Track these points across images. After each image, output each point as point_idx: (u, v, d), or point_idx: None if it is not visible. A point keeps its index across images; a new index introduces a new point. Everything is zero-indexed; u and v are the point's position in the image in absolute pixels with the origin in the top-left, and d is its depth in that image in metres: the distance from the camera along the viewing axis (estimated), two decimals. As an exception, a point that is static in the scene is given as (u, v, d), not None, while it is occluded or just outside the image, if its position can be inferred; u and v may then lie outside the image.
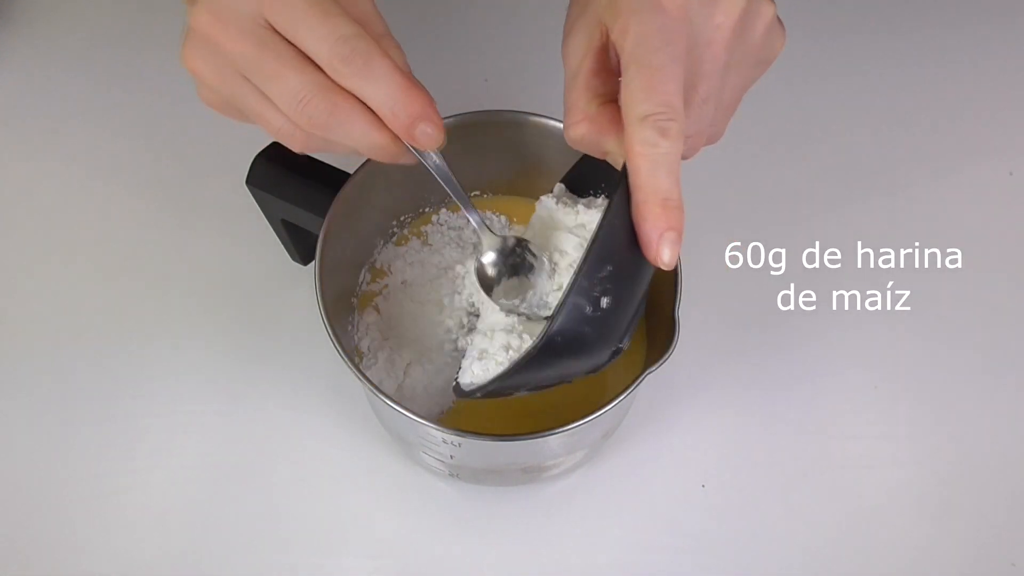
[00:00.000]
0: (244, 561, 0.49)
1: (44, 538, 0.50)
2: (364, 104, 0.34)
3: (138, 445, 0.52)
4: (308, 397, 0.53)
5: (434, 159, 0.37)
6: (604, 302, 0.34)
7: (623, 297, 0.35)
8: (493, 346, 0.39)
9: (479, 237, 0.41)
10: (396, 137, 0.34)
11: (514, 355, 0.39)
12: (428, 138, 0.34)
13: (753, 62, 0.35)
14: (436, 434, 0.42)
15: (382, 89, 0.33)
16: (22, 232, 0.58)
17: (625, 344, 0.37)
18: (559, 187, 0.43)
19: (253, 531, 0.50)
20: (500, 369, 0.38)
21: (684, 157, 0.34)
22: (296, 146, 0.36)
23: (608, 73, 0.35)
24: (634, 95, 0.31)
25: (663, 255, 0.32)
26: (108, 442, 0.52)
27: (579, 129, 0.35)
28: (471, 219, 0.40)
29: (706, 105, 0.33)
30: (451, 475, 0.49)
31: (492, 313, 0.41)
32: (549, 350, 0.34)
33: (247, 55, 0.33)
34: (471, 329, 0.48)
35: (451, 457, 0.45)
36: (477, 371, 0.39)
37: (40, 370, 0.54)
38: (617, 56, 0.33)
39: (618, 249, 0.33)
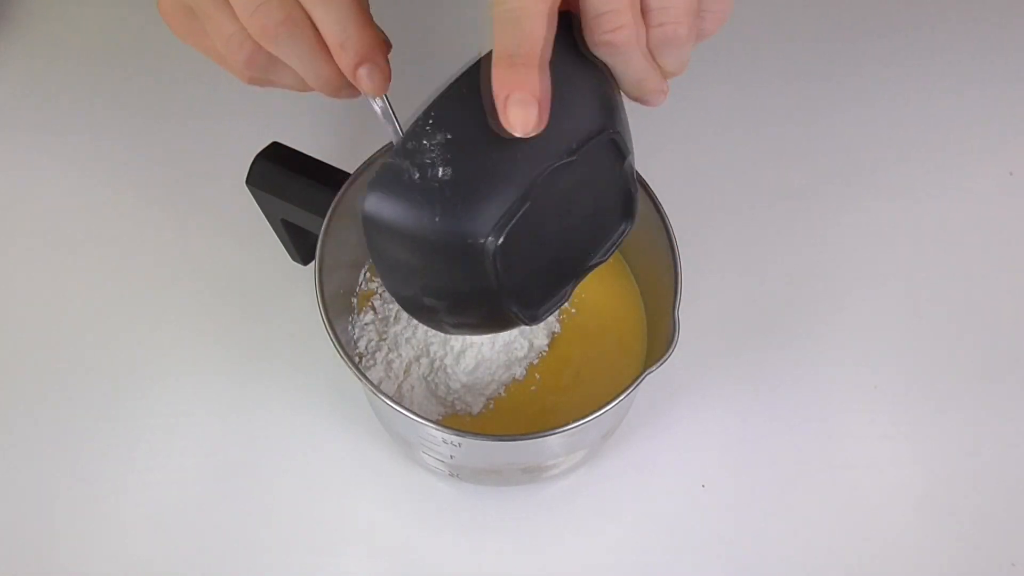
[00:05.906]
0: (243, 561, 0.49)
1: (43, 538, 0.50)
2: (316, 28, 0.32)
3: (137, 445, 0.52)
4: (308, 397, 0.53)
5: (378, 102, 0.34)
6: (441, 172, 0.31)
7: (475, 174, 0.31)
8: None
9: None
10: (340, 72, 0.33)
11: None
12: (371, 83, 0.32)
13: None
14: (436, 434, 0.42)
15: (335, 15, 0.31)
16: (21, 232, 0.58)
17: (492, 240, 0.32)
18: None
19: (253, 531, 0.50)
20: None
21: (668, 40, 0.31)
22: (239, 63, 0.33)
23: None
24: None
25: (508, 116, 0.29)
26: (107, 442, 0.52)
27: None
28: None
29: None
30: (451, 475, 0.49)
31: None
32: (375, 214, 0.32)
33: None
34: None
35: (451, 457, 0.45)
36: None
37: (39, 370, 0.54)
38: None
39: (468, 120, 0.31)
